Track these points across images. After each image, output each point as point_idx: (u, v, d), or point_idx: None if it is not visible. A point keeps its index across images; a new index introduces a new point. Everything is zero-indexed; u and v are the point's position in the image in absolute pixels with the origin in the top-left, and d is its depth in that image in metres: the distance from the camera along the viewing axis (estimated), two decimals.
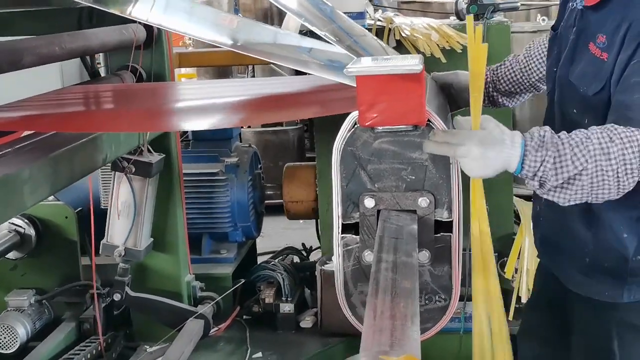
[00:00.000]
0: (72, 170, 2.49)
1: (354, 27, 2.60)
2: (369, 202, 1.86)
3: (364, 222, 1.88)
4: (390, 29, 3.48)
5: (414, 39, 3.39)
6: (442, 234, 1.89)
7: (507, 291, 3.35)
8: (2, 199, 2.07)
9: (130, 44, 3.14)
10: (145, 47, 3.30)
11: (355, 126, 1.80)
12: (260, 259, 4.39)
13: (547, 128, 1.80)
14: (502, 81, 2.38)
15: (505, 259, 3.57)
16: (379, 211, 1.86)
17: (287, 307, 3.73)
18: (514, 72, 2.37)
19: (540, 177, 1.77)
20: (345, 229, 1.90)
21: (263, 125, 6.36)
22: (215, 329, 3.62)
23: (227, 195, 3.86)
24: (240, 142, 4.37)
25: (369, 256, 1.82)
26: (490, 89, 2.40)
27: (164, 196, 3.49)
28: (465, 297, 3.17)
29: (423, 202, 1.84)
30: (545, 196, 1.83)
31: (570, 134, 1.79)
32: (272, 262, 3.96)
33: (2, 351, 3.32)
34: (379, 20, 3.65)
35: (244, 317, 3.83)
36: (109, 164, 3.15)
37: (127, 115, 2.56)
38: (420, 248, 1.87)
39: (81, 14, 3.08)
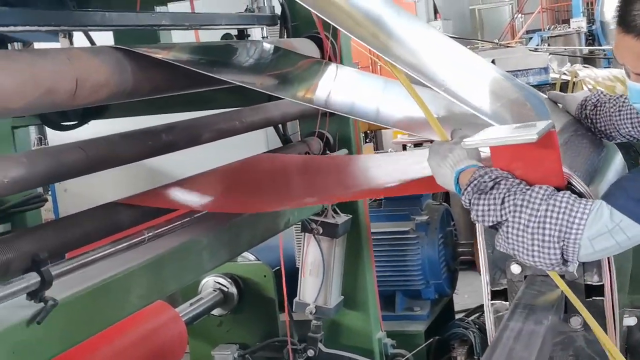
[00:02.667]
0: (253, 235, 2.67)
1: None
2: (516, 268, 1.86)
3: (512, 288, 1.88)
4: (574, 82, 3.42)
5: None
6: (593, 298, 1.84)
7: None
8: (181, 264, 2.28)
9: (316, 112, 3.31)
10: (332, 113, 3.46)
11: None
12: (458, 317, 4.37)
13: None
14: (599, 121, 2.41)
15: None
16: (526, 277, 1.86)
17: None
18: (609, 117, 2.38)
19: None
20: (495, 295, 1.90)
21: None
22: None
23: (418, 253, 3.91)
24: (433, 199, 4.41)
25: None
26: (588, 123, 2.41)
27: (353, 255, 3.61)
28: None
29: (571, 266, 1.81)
30: None
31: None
32: (467, 320, 3.95)
33: None
34: (564, 74, 3.59)
35: None
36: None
37: (310, 189, 2.65)
38: (572, 313, 1.83)
39: None
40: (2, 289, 1.71)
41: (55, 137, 5.07)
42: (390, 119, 2.71)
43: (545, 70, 3.35)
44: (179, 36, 3.65)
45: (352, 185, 2.84)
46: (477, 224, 1.84)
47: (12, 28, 2.07)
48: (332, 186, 2.76)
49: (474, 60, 2.80)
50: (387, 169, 2.84)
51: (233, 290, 3.74)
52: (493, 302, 1.90)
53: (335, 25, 2.21)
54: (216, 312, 3.75)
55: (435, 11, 17.27)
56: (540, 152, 1.70)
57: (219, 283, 3.74)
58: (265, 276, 3.74)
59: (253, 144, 4.37)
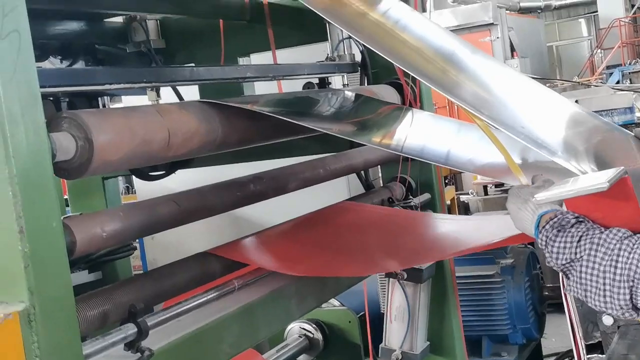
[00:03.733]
0: (339, 282, 2.70)
1: None
2: (607, 320, 1.84)
3: (606, 340, 1.85)
4: None
5: None
6: None
7: None
8: (271, 311, 2.31)
9: (397, 157, 3.33)
10: (413, 158, 3.47)
11: None
12: None
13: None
14: None
15: None
16: (619, 327, 1.82)
17: None
18: None
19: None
20: (590, 349, 1.88)
21: None
22: None
23: (504, 297, 3.87)
24: None
25: None
26: None
27: (438, 300, 3.59)
28: None
29: None
30: None
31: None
32: None
33: None
34: None
35: None
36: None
37: (394, 251, 2.64)
38: None
39: None
40: (101, 340, 1.77)
41: (142, 186, 5.22)
42: (465, 163, 2.70)
43: (631, 109, 3.31)
44: (262, 86, 3.73)
45: (437, 248, 2.80)
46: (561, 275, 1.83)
47: (107, 87, 2.16)
48: (415, 248, 2.71)
49: (555, 100, 2.77)
50: (470, 231, 2.82)
51: (318, 336, 3.75)
52: (589, 356, 1.88)
53: (400, 66, 2.24)
54: (302, 358, 3.77)
55: (512, 49, 17.15)
56: (615, 199, 1.68)
57: (305, 329, 3.76)
58: (350, 322, 3.75)
59: (335, 190, 4.41)
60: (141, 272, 5.84)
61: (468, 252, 2.70)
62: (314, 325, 3.75)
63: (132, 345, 1.84)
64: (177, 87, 3.36)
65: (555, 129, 2.43)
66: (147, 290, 1.99)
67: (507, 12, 17.28)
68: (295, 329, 3.76)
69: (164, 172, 3.69)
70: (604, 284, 1.66)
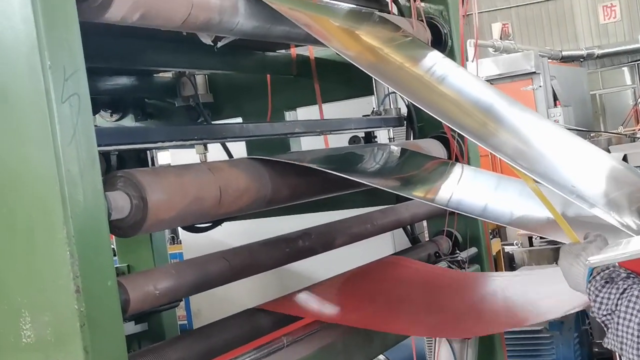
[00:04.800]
0: (385, 337, 2.67)
1: None
2: None
3: None
4: None
5: None
6: None
7: None
8: None
9: (444, 211, 3.32)
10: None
11: None
12: None
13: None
14: None
15: None
16: None
17: None
18: None
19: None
20: None
21: None
22: None
23: (553, 353, 3.81)
24: None
25: None
26: None
27: (486, 355, 3.53)
28: None
29: None
30: None
31: None
32: None
33: None
34: None
35: None
36: None
37: (438, 319, 2.57)
38: None
39: None
40: None
41: (188, 237, 5.26)
42: (508, 219, 2.69)
43: None
44: (309, 140, 3.76)
45: (488, 320, 2.71)
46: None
47: (159, 144, 2.20)
48: (465, 319, 2.65)
49: (593, 153, 2.73)
50: (524, 294, 2.78)
51: None
52: None
53: (438, 118, 2.26)
54: None
55: (555, 98, 17.06)
56: None
57: None
58: None
59: (380, 244, 4.39)
60: (185, 322, 5.86)
61: (520, 326, 2.65)
62: None
63: None
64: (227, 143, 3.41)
65: (593, 182, 2.42)
66: (197, 348, 2.00)
67: (549, 60, 17.24)
68: None
69: (210, 224, 3.73)
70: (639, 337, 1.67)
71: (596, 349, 4.10)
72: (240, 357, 2.05)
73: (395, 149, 3.13)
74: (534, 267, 6.11)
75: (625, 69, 23.51)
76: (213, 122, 3.58)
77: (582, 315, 4.00)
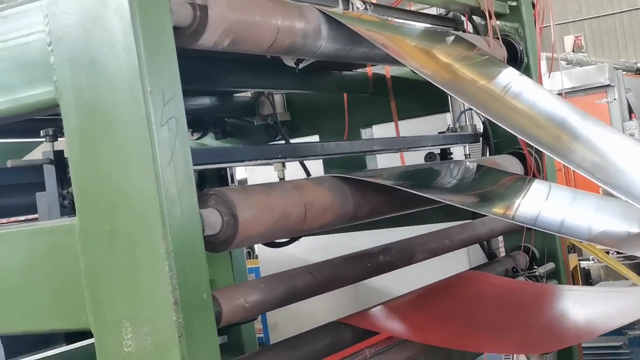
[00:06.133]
0: (464, 353, 2.71)
1: None
2: None
3: None
4: None
5: None
6: None
7: None
8: None
9: (521, 226, 3.34)
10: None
11: None
12: None
13: None
14: None
15: None
16: None
17: None
18: None
19: None
20: None
21: None
22: None
23: None
24: None
25: None
26: None
27: None
28: None
29: None
30: None
31: None
32: None
33: None
34: None
35: None
36: None
37: (518, 335, 2.55)
38: None
39: None
40: None
41: (264, 252, 5.37)
42: (587, 234, 2.69)
43: None
44: (385, 157, 3.82)
45: (566, 331, 2.71)
46: None
47: (246, 163, 2.30)
48: (543, 333, 2.66)
49: None
50: (600, 312, 2.77)
51: None
52: None
53: (512, 131, 2.30)
54: None
55: (630, 111, 16.74)
56: None
57: None
58: None
59: (456, 259, 4.41)
60: (262, 335, 5.95)
61: (599, 334, 2.62)
62: None
63: None
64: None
65: None
66: (284, 358, 2.07)
67: (624, 73, 16.94)
68: None
69: (288, 239, 3.82)
70: None
71: None
72: None
73: (471, 165, 3.17)
74: (611, 282, 6.04)
75: None
76: (291, 140, 3.67)
77: None
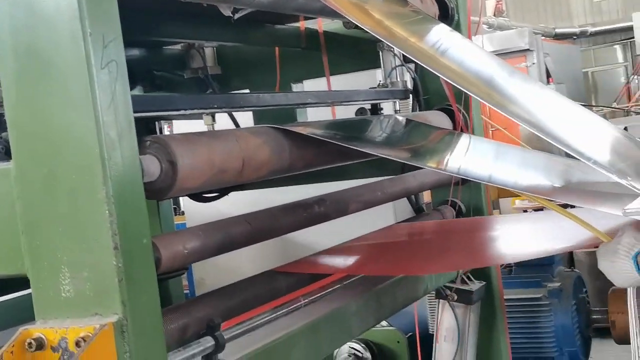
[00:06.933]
0: (394, 301, 2.78)
1: None
2: None
3: None
4: None
5: None
6: None
7: None
8: (332, 329, 2.40)
9: (448, 181, 3.42)
10: (464, 182, 3.56)
11: None
12: None
13: None
14: None
15: None
16: None
17: None
18: None
19: None
20: None
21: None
22: None
23: (551, 320, 3.92)
24: (571, 264, 4.42)
25: None
26: None
27: (487, 321, 3.65)
28: None
29: None
30: None
31: None
32: None
33: None
34: None
35: None
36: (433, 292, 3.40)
37: (448, 255, 2.76)
38: None
39: None
40: (183, 351, 1.87)
41: (191, 208, 5.34)
42: (513, 185, 2.79)
43: None
44: (314, 112, 3.84)
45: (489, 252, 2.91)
46: (628, 296, 1.90)
47: (182, 112, 2.28)
48: (469, 251, 2.84)
49: (599, 123, 2.82)
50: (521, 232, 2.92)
51: (367, 355, 3.83)
52: None
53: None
54: None
55: (548, 75, 17.14)
56: None
57: (354, 349, 3.84)
58: (398, 342, 3.83)
59: (380, 215, 4.49)
60: (188, 291, 5.95)
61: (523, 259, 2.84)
62: (363, 345, 3.83)
63: (209, 357, 1.94)
64: (233, 113, 3.48)
65: (603, 151, 2.49)
66: (221, 306, 2.09)
67: (543, 38, 17.29)
68: (345, 348, 3.84)
69: (217, 194, 3.82)
70: None
71: (593, 316, 4.22)
72: (262, 316, 2.15)
73: (401, 118, 3.22)
74: None
75: (618, 47, 23.59)
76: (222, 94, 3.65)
77: (579, 284, 4.12)
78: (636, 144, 2.43)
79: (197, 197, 3.94)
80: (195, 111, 2.32)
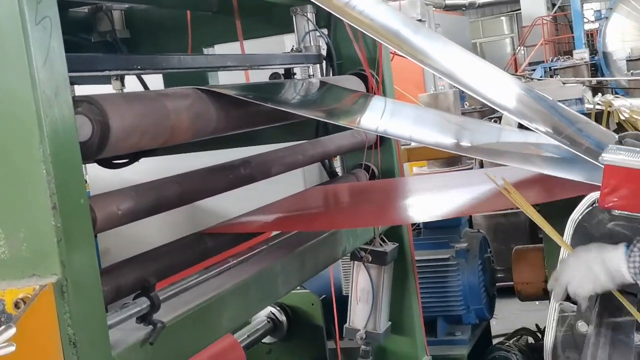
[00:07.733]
0: (316, 262, 2.83)
1: (576, 116, 2.72)
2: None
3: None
4: (609, 112, 3.59)
5: (634, 120, 3.48)
6: None
7: None
8: (260, 289, 2.43)
9: (363, 145, 3.48)
10: (376, 146, 3.63)
11: (594, 205, 1.97)
12: (495, 341, 4.51)
13: None
14: None
15: None
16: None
17: None
18: None
19: None
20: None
21: None
22: None
23: (459, 279, 4.06)
24: (471, 227, 4.57)
25: (582, 326, 1.96)
26: None
27: (399, 282, 3.75)
28: None
29: None
30: None
31: None
32: (507, 344, 4.08)
33: None
34: (597, 104, 3.76)
35: None
36: (348, 255, 3.47)
37: (364, 213, 2.85)
38: None
39: (318, 123, 3.48)
40: (120, 312, 1.86)
41: (96, 176, 5.21)
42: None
43: (581, 100, 3.53)
44: (227, 76, 3.81)
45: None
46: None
47: (106, 73, 2.24)
48: (383, 209, 2.93)
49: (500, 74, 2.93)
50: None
51: (283, 318, 3.87)
52: (562, 302, 2.02)
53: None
54: (266, 340, 3.88)
55: None
56: None
57: (270, 312, 3.87)
58: (313, 304, 3.88)
59: (290, 181, 4.51)
60: None
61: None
62: (277, 308, 3.87)
63: (144, 318, 1.93)
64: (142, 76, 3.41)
65: (511, 98, 2.58)
66: (153, 267, 2.08)
67: (434, 9, 17.61)
68: (260, 312, 3.87)
69: (127, 160, 3.76)
70: None
71: (497, 275, 4.40)
72: (193, 277, 2.15)
73: (315, 81, 3.26)
74: None
75: (504, 19, 24.28)
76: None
77: (484, 245, 4.28)
78: (535, 94, 2.54)
79: (106, 162, 3.88)
80: (119, 72, 2.28)
